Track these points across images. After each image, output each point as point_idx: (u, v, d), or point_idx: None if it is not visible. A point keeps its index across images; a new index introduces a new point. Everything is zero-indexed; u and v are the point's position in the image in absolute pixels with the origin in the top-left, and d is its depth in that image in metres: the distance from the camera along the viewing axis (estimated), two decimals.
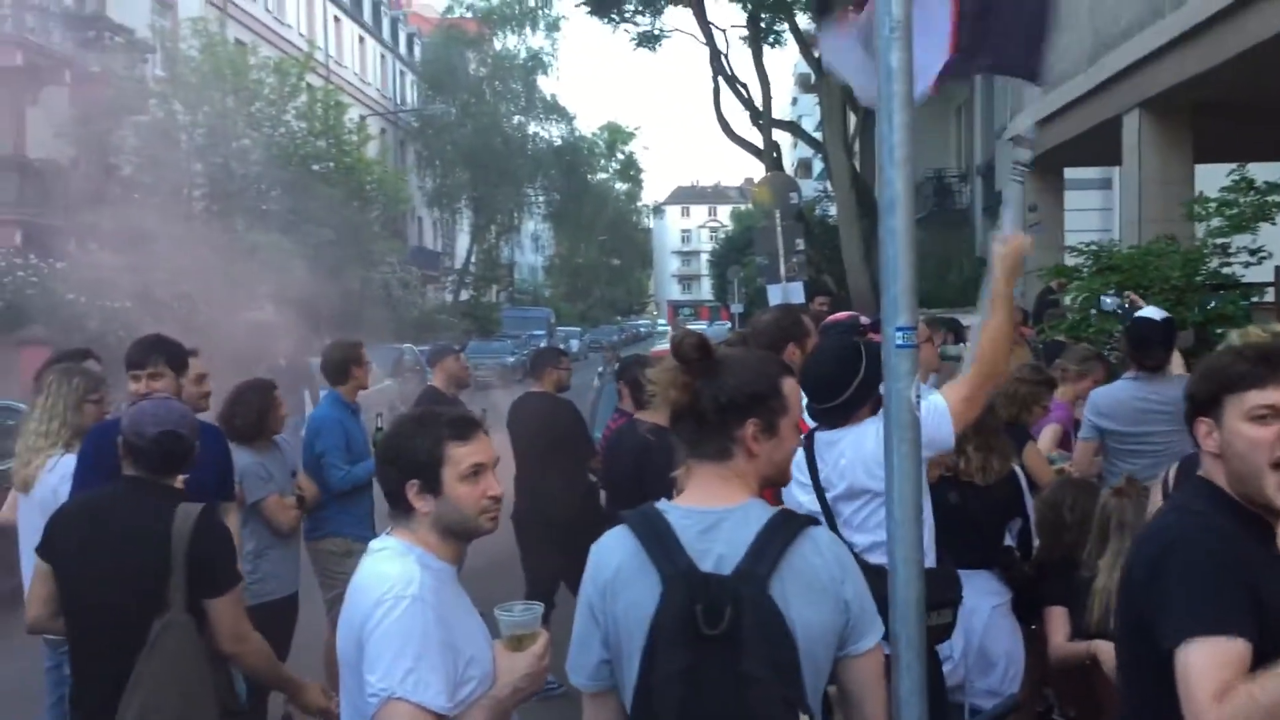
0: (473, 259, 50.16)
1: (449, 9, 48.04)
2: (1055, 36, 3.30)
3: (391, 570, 2.34)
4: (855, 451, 3.24)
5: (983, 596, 3.89)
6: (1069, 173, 15.03)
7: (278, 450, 5.28)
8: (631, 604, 2.15)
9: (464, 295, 47.04)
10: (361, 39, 44.93)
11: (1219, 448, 2.16)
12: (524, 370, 14.52)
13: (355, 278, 27.29)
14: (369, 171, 29.77)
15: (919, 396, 2.26)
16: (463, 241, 51.51)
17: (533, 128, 52.63)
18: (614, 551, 2.21)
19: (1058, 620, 3.92)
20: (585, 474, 6.36)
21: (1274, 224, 8.92)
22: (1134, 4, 10.57)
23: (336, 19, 42.04)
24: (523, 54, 50.61)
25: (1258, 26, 8.10)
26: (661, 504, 2.25)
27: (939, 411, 3.20)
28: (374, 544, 2.48)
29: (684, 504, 2.23)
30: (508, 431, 6.60)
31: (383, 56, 47.68)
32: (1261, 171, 10.63)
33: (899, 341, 2.26)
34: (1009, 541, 4.20)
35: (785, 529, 2.16)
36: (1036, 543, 4.24)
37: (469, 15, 48.42)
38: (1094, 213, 17.73)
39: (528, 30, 50.29)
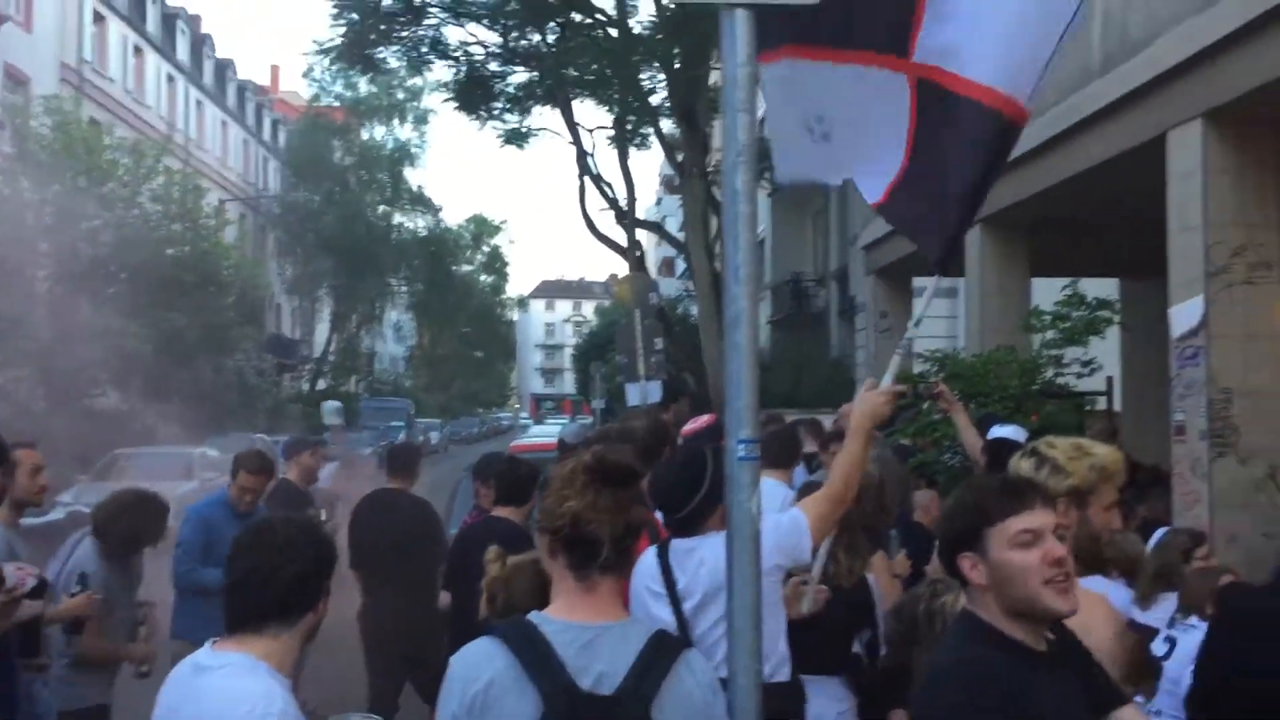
0: (332, 348, 49.33)
1: (316, 98, 47.83)
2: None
3: (250, 687, 2.20)
4: (718, 559, 3.26)
5: (830, 703, 3.93)
6: (917, 281, 15.64)
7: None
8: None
9: (321, 384, 46.10)
10: (224, 123, 44.35)
11: (987, 579, 2.21)
12: (381, 463, 14.11)
13: (208, 365, 26.51)
14: (226, 256, 29.14)
15: (760, 510, 2.31)
16: (322, 330, 50.66)
17: (398, 218, 52.56)
18: (485, 665, 2.14)
19: None
20: (436, 574, 6.26)
21: (1103, 338, 9.44)
22: None
23: (199, 103, 41.45)
24: (390, 145, 50.70)
25: (1090, 151, 8.68)
26: (535, 616, 2.21)
27: (800, 526, 3.30)
28: (205, 659, 2.30)
29: (558, 618, 2.20)
30: (353, 527, 6.47)
31: (245, 142, 47.10)
32: (1093, 287, 11.28)
33: (741, 454, 2.31)
34: (857, 648, 4.27)
35: (666, 650, 2.18)
36: (883, 650, 4.32)
37: (336, 105, 48.30)
38: (941, 320, 18.41)
39: (395, 122, 50.47)
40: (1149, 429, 10.16)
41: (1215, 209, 7.19)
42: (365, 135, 50.21)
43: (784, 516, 3.35)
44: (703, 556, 3.28)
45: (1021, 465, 3.13)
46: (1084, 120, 8.62)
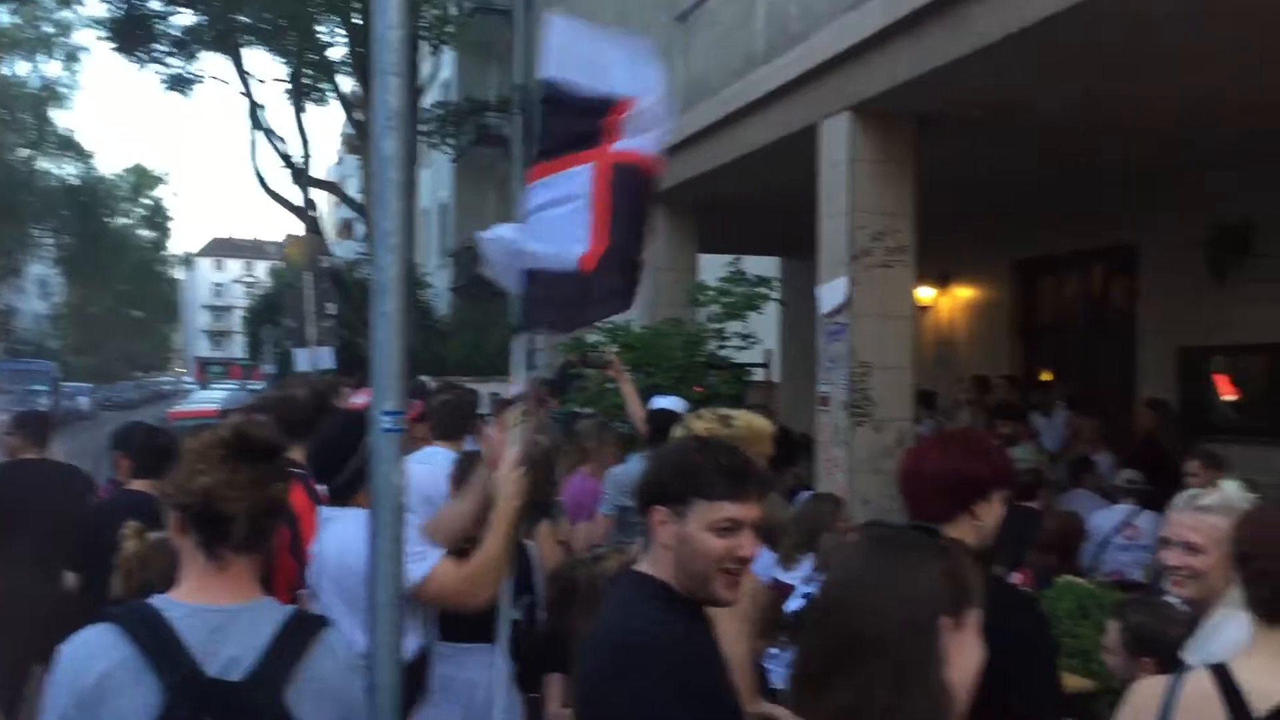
0: None
1: None
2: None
3: None
4: (330, 541, 3.20)
5: (484, 671, 3.96)
6: None
7: None
8: (120, 715, 1.95)
9: None
10: None
11: (674, 541, 2.20)
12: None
13: None
14: None
15: (403, 483, 2.28)
16: None
17: (43, 163, 48.02)
18: (99, 655, 1.98)
19: (554, 688, 4.07)
20: (71, 551, 5.78)
21: (761, 313, 10.01)
22: None
23: None
24: (35, 83, 46.16)
25: (752, 136, 9.12)
26: (158, 600, 2.08)
27: (416, 574, 3.06)
28: None
29: (185, 600, 2.08)
30: None
31: None
32: (757, 265, 11.92)
33: (387, 425, 2.27)
34: (516, 615, 4.31)
35: (303, 630, 2.10)
36: (542, 614, 4.39)
37: None
38: None
39: (41, 57, 45.99)
40: (803, 399, 10.88)
41: (859, 197, 7.75)
42: (5, 70, 45.44)
43: (419, 551, 3.14)
44: (325, 537, 3.23)
45: (674, 436, 3.28)
46: (747, 106, 9.06)
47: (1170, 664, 2.65)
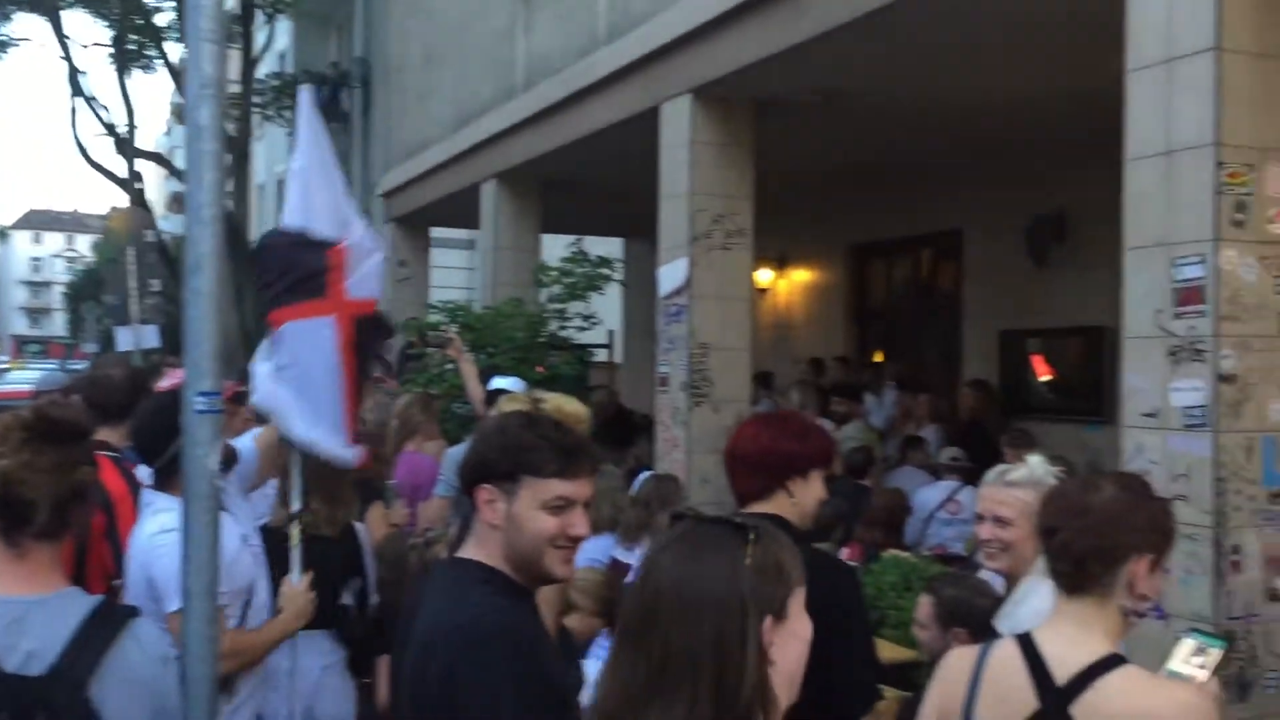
0: None
1: None
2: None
3: None
4: (135, 537, 3.08)
5: (313, 658, 3.86)
6: (436, 232, 15.75)
7: None
8: None
9: None
10: None
11: (502, 521, 2.14)
12: None
13: None
14: None
15: (220, 464, 2.20)
16: None
17: None
18: None
19: (385, 670, 4.01)
20: None
21: (603, 293, 10.05)
22: (491, 83, 11.40)
23: None
24: None
25: (595, 116, 9.11)
26: None
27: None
28: None
29: None
30: None
31: None
32: (602, 245, 11.95)
33: (201, 406, 2.19)
34: (347, 600, 4.22)
35: (109, 621, 2.00)
36: (375, 599, 4.31)
37: None
38: (459, 271, 18.74)
39: None
40: (644, 380, 10.97)
41: (699, 179, 7.83)
42: None
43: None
44: (137, 530, 3.12)
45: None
46: (589, 86, 9.03)
47: (982, 634, 2.76)
